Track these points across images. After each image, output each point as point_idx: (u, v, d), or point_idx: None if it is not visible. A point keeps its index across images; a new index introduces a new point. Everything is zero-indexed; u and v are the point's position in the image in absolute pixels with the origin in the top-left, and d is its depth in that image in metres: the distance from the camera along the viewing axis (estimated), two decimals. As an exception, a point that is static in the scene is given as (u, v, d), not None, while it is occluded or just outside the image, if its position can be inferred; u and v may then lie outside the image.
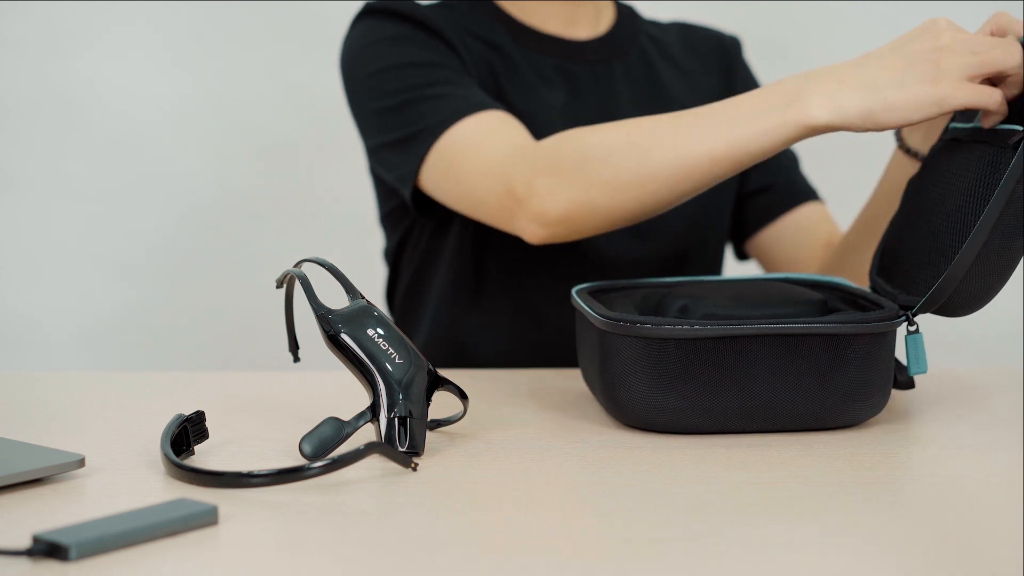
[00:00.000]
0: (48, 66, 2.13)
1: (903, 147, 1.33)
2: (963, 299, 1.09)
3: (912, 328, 1.11)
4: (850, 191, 1.82)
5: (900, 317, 1.09)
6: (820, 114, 1.12)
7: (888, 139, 1.73)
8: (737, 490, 0.92)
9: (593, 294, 1.18)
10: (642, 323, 1.05)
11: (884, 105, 1.11)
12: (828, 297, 1.16)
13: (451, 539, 0.82)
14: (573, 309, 1.21)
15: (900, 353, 1.11)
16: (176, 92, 2.16)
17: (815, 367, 1.06)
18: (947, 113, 1.10)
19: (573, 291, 1.17)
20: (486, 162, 1.32)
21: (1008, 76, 1.11)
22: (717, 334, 1.04)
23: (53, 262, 2.17)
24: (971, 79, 1.10)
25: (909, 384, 1.11)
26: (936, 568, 0.79)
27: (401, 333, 0.99)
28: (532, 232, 1.28)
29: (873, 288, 1.19)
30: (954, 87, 1.09)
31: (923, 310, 1.10)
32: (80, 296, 2.18)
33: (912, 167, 1.32)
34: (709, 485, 0.93)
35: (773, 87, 1.17)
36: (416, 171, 1.38)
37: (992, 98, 1.10)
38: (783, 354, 1.05)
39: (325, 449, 0.94)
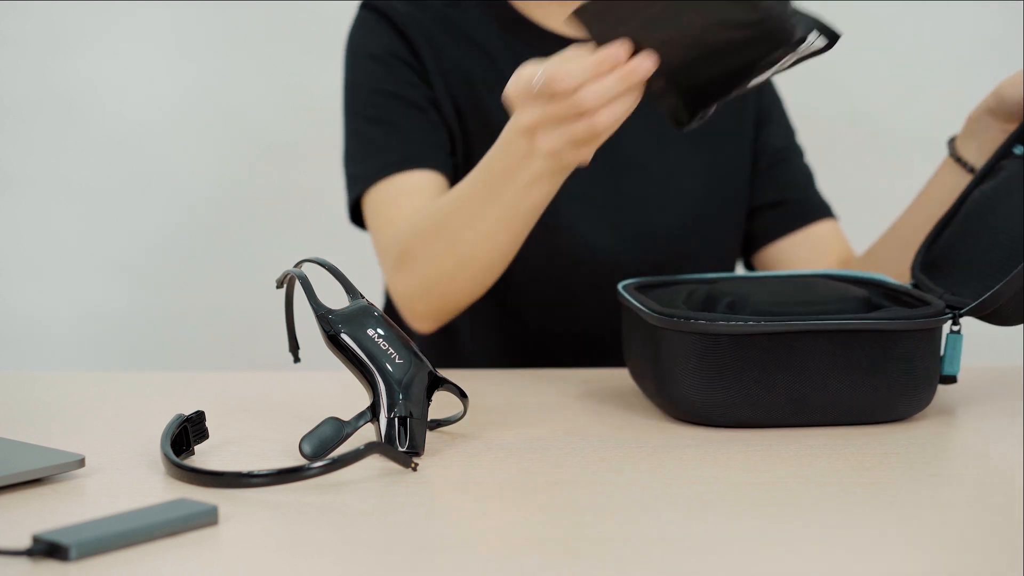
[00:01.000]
0: (48, 66, 2.13)
1: (956, 158, 1.34)
2: (1014, 309, 1.12)
3: (956, 328, 1.13)
4: (862, 206, 1.81)
5: (947, 315, 1.11)
6: (546, 170, 1.17)
7: (893, 152, 1.75)
8: (737, 490, 0.92)
9: (640, 289, 1.19)
10: (696, 319, 1.07)
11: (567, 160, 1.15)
12: (871, 293, 1.17)
13: (451, 539, 0.82)
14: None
15: None
16: (176, 92, 2.16)
17: (866, 362, 1.08)
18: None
19: (619, 286, 1.19)
20: (376, 248, 1.43)
21: None
22: (769, 330, 1.07)
23: (53, 262, 2.17)
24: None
25: (951, 379, 1.14)
26: (936, 568, 0.79)
27: (401, 333, 0.99)
28: (418, 327, 1.39)
29: (915, 283, 1.21)
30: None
31: (971, 313, 1.13)
32: (80, 296, 2.18)
33: (963, 178, 1.33)
34: (709, 485, 0.93)
35: (503, 146, 1.19)
36: (356, 207, 1.48)
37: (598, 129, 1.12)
38: (834, 350, 1.08)
39: (325, 449, 0.94)
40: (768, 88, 1.60)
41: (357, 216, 1.48)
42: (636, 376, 1.18)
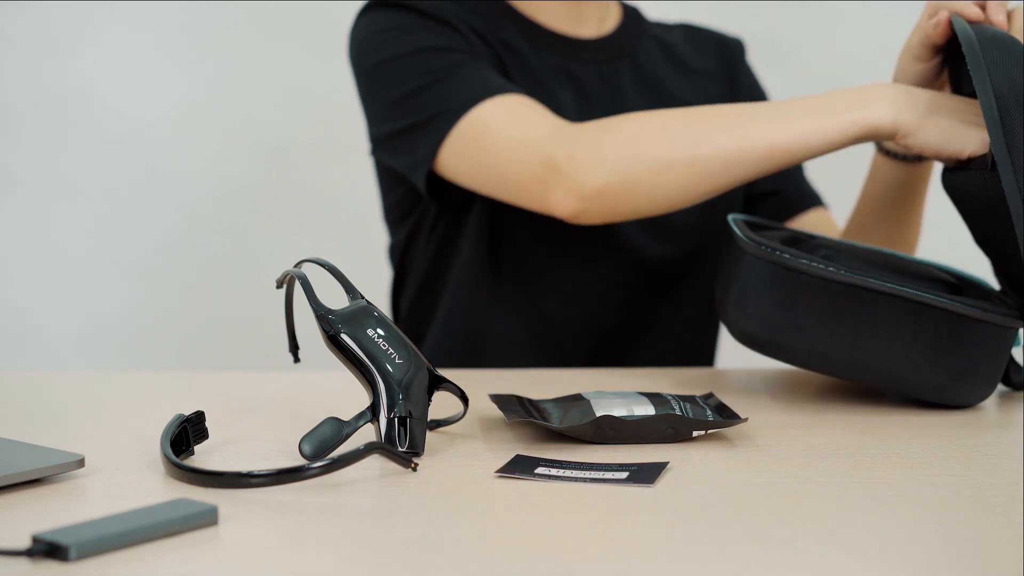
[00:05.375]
0: (48, 66, 2.13)
1: (881, 149, 1.35)
2: None
3: None
4: (850, 196, 1.82)
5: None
6: (881, 116, 1.16)
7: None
8: (737, 490, 0.92)
9: (748, 225, 1.22)
10: (782, 252, 1.12)
11: (941, 129, 1.15)
12: (965, 287, 1.19)
13: (451, 539, 0.82)
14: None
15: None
16: (176, 92, 2.16)
17: (931, 339, 1.10)
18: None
19: (729, 217, 1.21)
20: (520, 138, 1.30)
21: None
22: (847, 280, 1.10)
23: (53, 262, 2.17)
24: None
25: (1022, 386, 1.17)
26: (937, 568, 0.79)
27: (401, 333, 0.99)
28: (566, 205, 1.27)
29: (1003, 290, 1.21)
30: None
31: None
32: (80, 296, 2.18)
33: (893, 167, 1.34)
34: (709, 485, 0.93)
35: (843, 89, 1.20)
36: (434, 153, 1.36)
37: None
38: (905, 319, 1.10)
39: (325, 449, 0.94)
40: (755, 84, 1.61)
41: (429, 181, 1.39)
42: (718, 301, 1.21)
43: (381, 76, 1.42)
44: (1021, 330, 1.15)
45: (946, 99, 1.19)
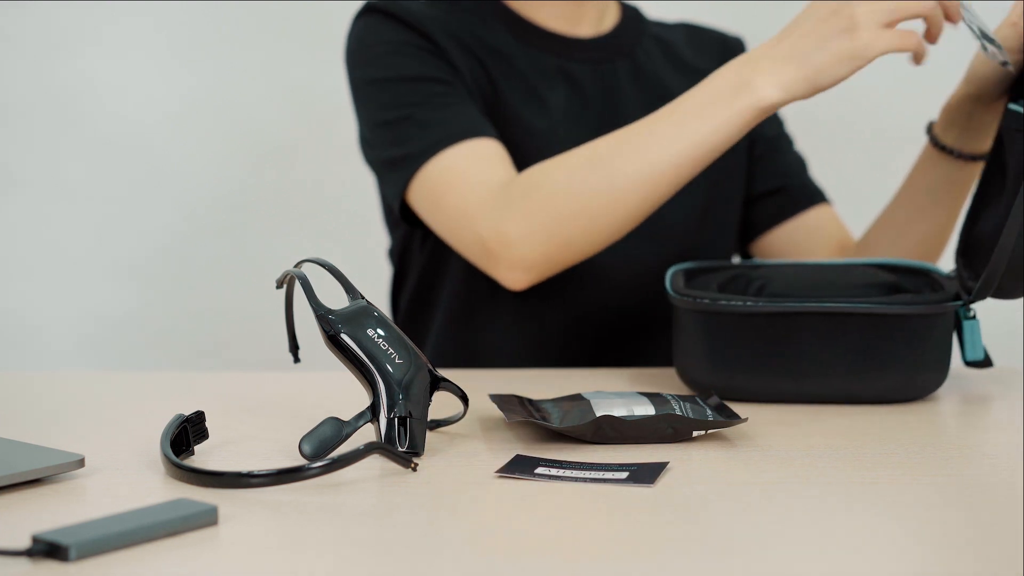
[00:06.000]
0: (47, 66, 2.13)
1: (938, 144, 1.34)
2: (1012, 283, 1.14)
3: (970, 314, 1.16)
4: (856, 193, 1.82)
5: (954, 301, 1.14)
6: (771, 94, 1.17)
7: (891, 138, 1.74)
8: (737, 490, 0.92)
9: (686, 273, 1.26)
10: (701, 298, 1.16)
11: (816, 69, 1.16)
12: (907, 281, 1.21)
13: (451, 539, 0.82)
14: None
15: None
16: (176, 92, 2.16)
17: (859, 345, 1.13)
18: (869, 61, 1.15)
19: (668, 272, 1.25)
20: (460, 207, 1.33)
21: (928, 18, 1.16)
22: (767, 310, 1.14)
23: (53, 262, 2.17)
24: (888, 26, 1.12)
25: (979, 364, 1.18)
26: (936, 568, 0.79)
27: (401, 333, 0.99)
28: (515, 279, 1.32)
29: (955, 268, 1.23)
30: (872, 36, 1.13)
31: (980, 295, 1.15)
32: (80, 296, 2.18)
33: (947, 164, 1.34)
34: (709, 485, 0.93)
35: (712, 81, 1.21)
36: (401, 194, 1.40)
37: (910, 41, 1.15)
38: (828, 332, 1.14)
39: (325, 449, 0.94)
40: None
41: (403, 209, 1.42)
42: (673, 356, 1.24)
43: (365, 94, 1.45)
44: (972, 307, 1.16)
45: (794, 37, 1.17)
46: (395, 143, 1.40)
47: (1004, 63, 1.18)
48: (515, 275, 1.31)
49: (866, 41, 1.13)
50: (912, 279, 1.22)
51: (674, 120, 1.22)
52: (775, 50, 1.18)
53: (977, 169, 1.35)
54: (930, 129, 1.36)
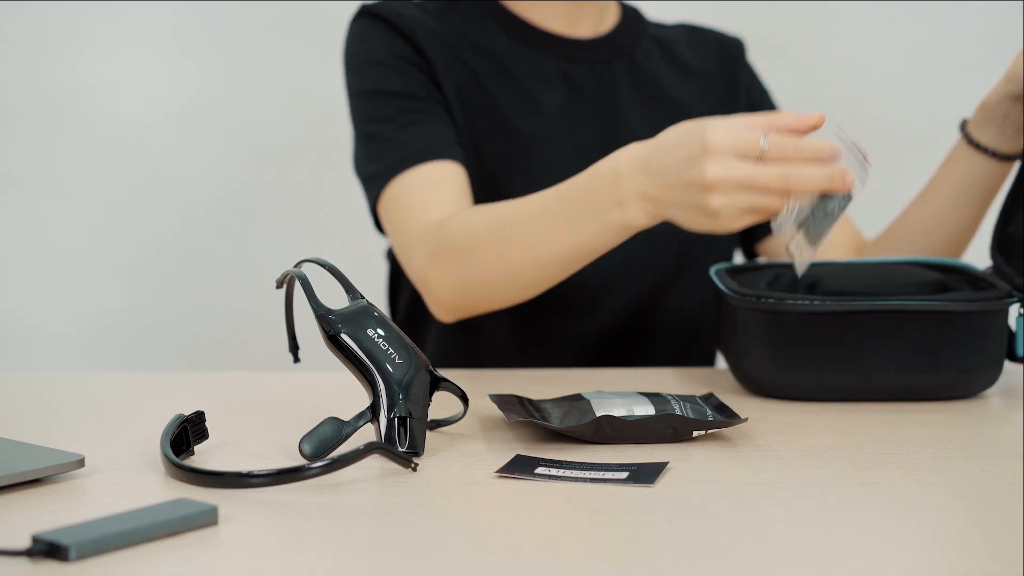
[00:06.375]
0: (47, 66, 2.13)
1: (972, 142, 1.34)
2: None
3: (1021, 310, 1.20)
4: (862, 203, 1.81)
5: (1011, 298, 1.18)
6: (639, 219, 1.15)
7: (900, 139, 1.73)
8: (737, 490, 0.92)
9: (729, 273, 1.27)
10: (766, 298, 1.17)
11: (681, 220, 1.11)
12: (949, 279, 1.23)
13: (451, 539, 0.82)
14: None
15: None
16: (176, 93, 2.16)
17: (924, 342, 1.16)
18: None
19: (711, 271, 1.27)
20: (402, 239, 1.38)
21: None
22: (833, 309, 1.15)
23: (53, 262, 2.17)
24: (746, 213, 1.08)
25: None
26: (937, 568, 0.79)
27: (401, 333, 0.99)
28: (440, 315, 1.35)
29: (994, 266, 1.25)
30: (731, 222, 1.09)
31: None
32: (80, 296, 2.18)
33: (981, 162, 1.34)
34: (709, 485, 0.93)
35: (593, 182, 1.17)
36: (374, 209, 1.44)
37: (775, 208, 1.07)
38: (894, 330, 1.16)
39: (325, 449, 0.94)
40: (756, 83, 1.61)
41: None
42: (723, 352, 1.26)
43: (352, 103, 1.49)
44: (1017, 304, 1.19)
45: (654, 175, 1.11)
46: (369, 158, 1.44)
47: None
48: (439, 312, 1.35)
49: (725, 226, 1.09)
50: (953, 277, 1.24)
51: (558, 215, 1.20)
52: (642, 182, 1.12)
53: (1009, 168, 1.35)
54: (963, 126, 1.36)
